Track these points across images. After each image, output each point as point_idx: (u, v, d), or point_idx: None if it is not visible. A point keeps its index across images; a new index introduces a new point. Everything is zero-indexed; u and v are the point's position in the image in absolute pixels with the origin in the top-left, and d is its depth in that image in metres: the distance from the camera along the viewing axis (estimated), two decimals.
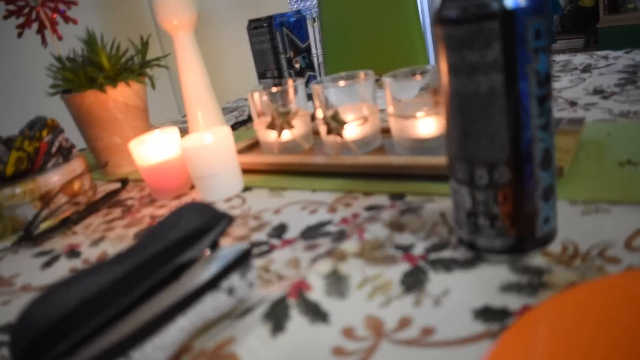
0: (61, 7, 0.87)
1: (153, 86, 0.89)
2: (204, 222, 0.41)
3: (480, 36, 0.34)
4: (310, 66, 1.15)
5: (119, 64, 0.84)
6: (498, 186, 0.37)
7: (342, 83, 0.68)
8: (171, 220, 0.41)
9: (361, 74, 0.69)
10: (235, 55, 1.85)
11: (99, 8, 1.67)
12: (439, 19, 0.36)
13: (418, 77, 0.61)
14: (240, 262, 0.42)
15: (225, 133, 0.66)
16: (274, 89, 0.74)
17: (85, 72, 0.82)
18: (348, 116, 0.66)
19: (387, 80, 0.62)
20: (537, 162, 0.37)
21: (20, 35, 0.88)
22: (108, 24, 1.67)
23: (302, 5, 3.08)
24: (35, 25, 0.89)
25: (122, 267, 0.36)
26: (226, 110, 1.27)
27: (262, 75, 1.16)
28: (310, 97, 1.02)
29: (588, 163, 0.55)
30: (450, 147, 0.39)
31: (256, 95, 0.73)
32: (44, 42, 0.90)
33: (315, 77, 1.15)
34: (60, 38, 0.90)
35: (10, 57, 1.40)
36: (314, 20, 2.92)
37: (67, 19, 0.88)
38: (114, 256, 0.37)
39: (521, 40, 0.33)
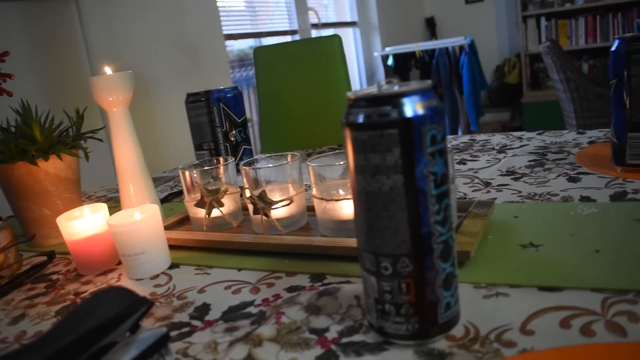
0: None
1: (87, 158, 0.89)
2: (121, 310, 0.42)
3: (381, 141, 0.37)
4: (246, 140, 1.17)
5: (52, 136, 0.84)
6: (402, 276, 0.40)
7: (269, 164, 0.70)
8: (90, 306, 0.42)
9: (289, 155, 0.71)
10: (175, 124, 1.86)
11: (37, 77, 1.66)
12: (346, 123, 0.39)
13: (341, 162, 0.64)
14: (157, 348, 0.42)
15: (153, 211, 0.66)
16: (205, 168, 0.75)
17: (17, 144, 0.81)
18: (275, 196, 0.68)
19: (311, 164, 0.65)
20: (437, 255, 0.39)
21: None
22: (47, 94, 1.67)
23: (244, 74, 3.15)
24: None
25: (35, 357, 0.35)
26: (162, 180, 1.27)
27: (198, 147, 1.17)
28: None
29: (494, 246, 0.59)
30: (359, 239, 0.42)
31: (187, 172, 0.74)
32: None
33: (250, 151, 1.18)
34: None
35: None
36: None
37: (1, 91, 0.88)
38: (31, 343, 0.36)
39: (418, 145, 0.37)
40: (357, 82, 4.05)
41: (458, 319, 0.43)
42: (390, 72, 3.89)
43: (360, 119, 0.38)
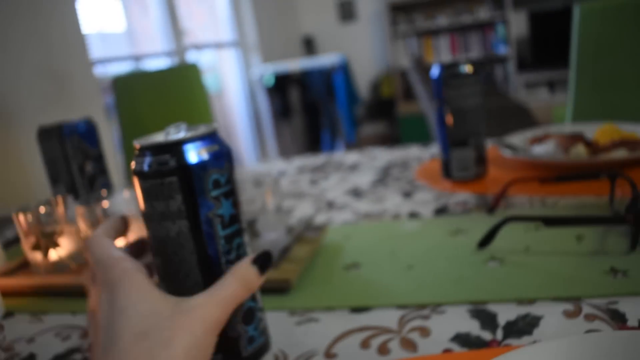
0: None
1: None
2: None
3: (163, 189, 0.37)
4: (102, 171, 1.13)
5: None
6: None
7: (104, 202, 0.69)
8: None
9: (125, 190, 0.70)
10: (31, 157, 1.76)
11: None
12: (133, 171, 0.39)
13: None
14: None
15: None
16: (42, 209, 0.72)
17: None
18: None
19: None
20: None
21: None
22: None
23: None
24: None
25: None
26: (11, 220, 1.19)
27: (54, 181, 1.12)
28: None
29: (320, 269, 0.61)
30: (160, 283, 0.42)
31: (21, 215, 0.71)
32: None
33: (108, 184, 1.14)
34: None
35: None
36: None
37: None
38: None
39: (200, 190, 0.38)
40: (239, 103, 4.05)
41: (266, 349, 0.44)
42: (270, 91, 3.93)
43: (145, 168, 0.38)
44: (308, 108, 3.94)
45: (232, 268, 0.39)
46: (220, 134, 0.41)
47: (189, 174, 0.37)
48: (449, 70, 0.82)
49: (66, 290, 0.66)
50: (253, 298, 0.42)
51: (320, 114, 3.95)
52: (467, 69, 0.82)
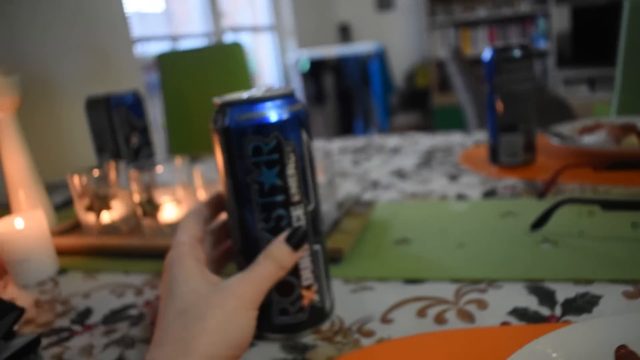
0: None
1: None
2: None
3: (215, 146, 0.40)
4: (147, 143, 1.15)
5: None
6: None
7: (157, 168, 0.70)
8: None
9: (177, 158, 0.71)
10: (80, 129, 1.80)
11: None
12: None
13: None
14: (25, 353, 0.41)
15: (37, 217, 0.64)
16: (95, 172, 0.74)
17: None
18: (164, 199, 0.68)
19: (197, 168, 0.65)
20: None
21: None
22: None
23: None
24: None
25: None
26: (63, 185, 1.23)
27: (100, 151, 1.14)
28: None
29: (370, 242, 0.61)
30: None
31: (76, 177, 0.73)
32: None
33: (152, 155, 1.16)
34: None
35: None
36: None
37: None
38: None
39: (239, 154, 0.39)
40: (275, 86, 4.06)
41: (303, 327, 0.43)
42: (305, 76, 3.93)
43: (211, 123, 0.40)
44: (342, 95, 3.94)
45: (267, 248, 0.40)
46: (280, 105, 0.40)
47: (228, 136, 0.39)
48: (502, 53, 0.81)
49: (118, 251, 0.68)
50: (295, 275, 0.42)
51: (354, 102, 3.94)
52: (520, 53, 0.81)
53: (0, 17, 1.74)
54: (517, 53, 0.81)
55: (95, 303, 0.56)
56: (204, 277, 0.38)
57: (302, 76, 3.92)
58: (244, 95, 0.41)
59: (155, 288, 0.58)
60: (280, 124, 0.39)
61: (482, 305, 0.45)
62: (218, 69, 1.55)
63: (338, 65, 3.89)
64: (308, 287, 0.43)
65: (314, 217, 0.42)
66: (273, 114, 0.39)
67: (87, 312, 0.54)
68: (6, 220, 0.67)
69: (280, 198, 0.40)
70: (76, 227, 0.79)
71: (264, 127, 0.38)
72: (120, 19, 2.26)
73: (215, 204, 0.44)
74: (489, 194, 0.75)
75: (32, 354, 0.42)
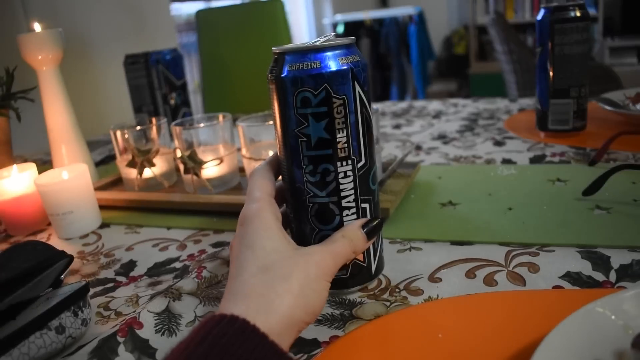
0: None
1: (19, 119, 0.86)
2: (36, 263, 0.41)
3: (269, 96, 0.40)
4: (185, 103, 1.16)
5: None
6: (288, 223, 0.44)
7: (200, 125, 0.70)
8: (4, 259, 0.41)
9: (220, 116, 0.71)
10: (116, 86, 1.81)
11: None
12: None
13: (270, 122, 0.65)
14: (74, 300, 0.42)
15: (81, 170, 0.66)
16: (137, 128, 0.75)
17: None
18: (206, 156, 0.68)
19: (241, 124, 0.65)
20: (312, 213, 0.41)
21: None
22: None
23: (192, 39, 3.07)
24: None
25: None
26: (100, 143, 1.25)
27: (138, 110, 1.15)
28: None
29: (415, 204, 0.61)
30: None
31: (118, 133, 0.73)
32: None
33: (190, 114, 1.17)
34: None
35: None
36: None
37: None
38: None
39: (289, 104, 0.39)
40: None
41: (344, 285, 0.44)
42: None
43: (268, 73, 0.40)
44: (378, 60, 3.88)
45: (344, 228, 0.40)
46: (334, 56, 0.39)
47: (280, 86, 0.38)
48: (557, 13, 0.78)
49: (160, 206, 0.68)
50: (333, 228, 0.42)
51: (390, 67, 3.88)
52: (577, 12, 0.78)
53: None
54: (573, 13, 0.78)
55: (139, 256, 0.57)
56: (284, 237, 0.38)
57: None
58: (302, 44, 0.40)
59: (199, 243, 0.58)
60: (329, 75, 0.38)
61: (533, 268, 0.44)
62: (257, 27, 1.54)
63: (375, 30, 3.82)
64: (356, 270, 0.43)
65: (364, 174, 0.41)
66: (324, 64, 0.38)
67: (131, 264, 0.55)
68: (51, 172, 0.68)
69: (327, 152, 0.39)
70: (117, 182, 0.80)
71: (312, 78, 0.38)
72: None
73: (275, 165, 0.44)
74: (537, 160, 0.73)
75: (81, 301, 0.43)
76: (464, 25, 4.73)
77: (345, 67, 0.38)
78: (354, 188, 0.41)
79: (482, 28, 4.55)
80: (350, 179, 0.40)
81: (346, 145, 0.39)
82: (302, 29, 4.00)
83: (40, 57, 0.77)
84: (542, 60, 0.81)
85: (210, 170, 0.69)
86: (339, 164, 0.40)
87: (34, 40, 0.76)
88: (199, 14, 1.61)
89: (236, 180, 0.72)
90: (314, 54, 0.38)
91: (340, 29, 3.87)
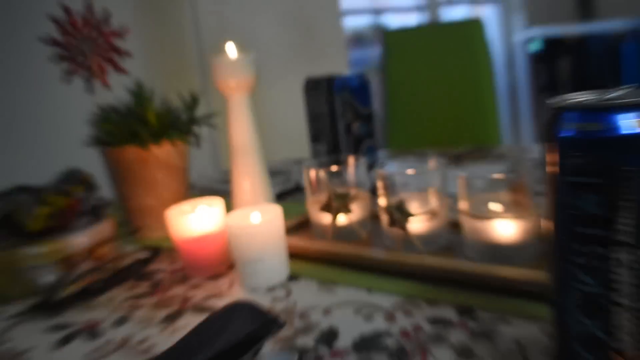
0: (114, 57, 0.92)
1: (198, 145, 0.92)
2: (254, 329, 0.42)
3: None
4: (370, 134, 1.16)
5: (166, 120, 0.88)
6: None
7: (407, 167, 0.69)
8: (220, 321, 0.43)
9: (431, 161, 0.70)
10: (286, 110, 1.88)
11: (147, 59, 1.72)
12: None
13: (499, 175, 0.62)
14: None
15: (275, 213, 0.67)
16: (334, 168, 0.75)
17: (128, 125, 0.85)
18: (413, 207, 0.67)
19: (462, 174, 0.63)
20: (576, 303, 0.39)
21: (69, 80, 0.92)
22: (154, 75, 1.73)
23: (358, 55, 3.13)
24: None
25: None
26: (270, 173, 1.29)
27: (315, 138, 1.18)
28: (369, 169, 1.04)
29: None
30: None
31: (312, 171, 0.75)
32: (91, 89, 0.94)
33: (374, 148, 1.17)
34: (108, 86, 0.94)
35: (50, 101, 1.46)
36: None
37: (117, 68, 0.93)
38: (161, 354, 0.38)
39: (559, 169, 0.37)
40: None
41: None
42: (535, 60, 3.75)
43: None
44: (582, 84, 3.69)
45: None
46: (624, 117, 0.35)
47: (553, 145, 0.37)
48: None
49: (359, 262, 0.68)
50: (601, 328, 0.38)
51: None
52: None
53: None
54: None
55: (340, 322, 0.57)
56: None
57: (532, 59, 3.74)
58: (582, 97, 0.37)
59: (410, 315, 0.57)
60: (611, 142, 0.34)
61: None
62: (452, 51, 1.53)
63: (578, 47, 3.65)
64: (620, 351, 0.38)
65: None
66: (608, 127, 0.35)
67: (333, 333, 0.55)
68: (242, 212, 0.71)
69: (597, 232, 0.36)
70: (303, 225, 0.81)
71: (586, 142, 0.35)
72: None
73: None
74: None
75: None
76: None
77: (634, 134, 0.35)
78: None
79: None
80: (628, 271, 0.37)
81: (626, 228, 0.36)
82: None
83: (233, 84, 0.81)
84: None
85: (417, 224, 0.67)
86: (613, 249, 0.36)
87: (228, 65, 0.81)
88: (387, 35, 1.63)
89: (445, 239, 0.70)
90: (599, 112, 0.35)
91: (538, 46, 3.74)
